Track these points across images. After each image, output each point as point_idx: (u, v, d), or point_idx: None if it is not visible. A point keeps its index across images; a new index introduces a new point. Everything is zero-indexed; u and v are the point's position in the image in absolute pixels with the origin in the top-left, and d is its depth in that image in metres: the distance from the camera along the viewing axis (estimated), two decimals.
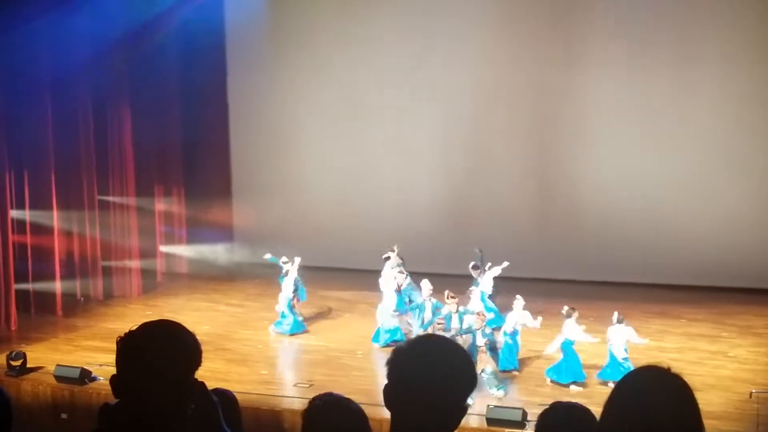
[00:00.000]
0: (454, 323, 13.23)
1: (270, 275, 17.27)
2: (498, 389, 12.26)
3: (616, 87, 18.55)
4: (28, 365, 13.16)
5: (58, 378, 12.69)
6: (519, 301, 13.54)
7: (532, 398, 11.58)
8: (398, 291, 15.03)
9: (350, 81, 20.41)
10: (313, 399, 3.74)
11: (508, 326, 13.39)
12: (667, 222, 18.45)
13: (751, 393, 11.47)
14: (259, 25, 20.78)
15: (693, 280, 17.92)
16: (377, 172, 20.43)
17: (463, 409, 2.55)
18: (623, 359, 12.66)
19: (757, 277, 17.61)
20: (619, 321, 13.05)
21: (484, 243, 17.79)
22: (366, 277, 17.44)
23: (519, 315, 13.44)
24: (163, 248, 19.34)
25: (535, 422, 4.38)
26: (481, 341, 12.72)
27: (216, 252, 20.17)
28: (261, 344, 14.86)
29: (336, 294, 16.48)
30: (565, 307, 13.34)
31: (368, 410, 3.79)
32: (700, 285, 17.81)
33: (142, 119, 19.21)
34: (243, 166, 21.69)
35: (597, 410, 2.75)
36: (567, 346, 12.92)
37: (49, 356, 13.89)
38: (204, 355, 2.80)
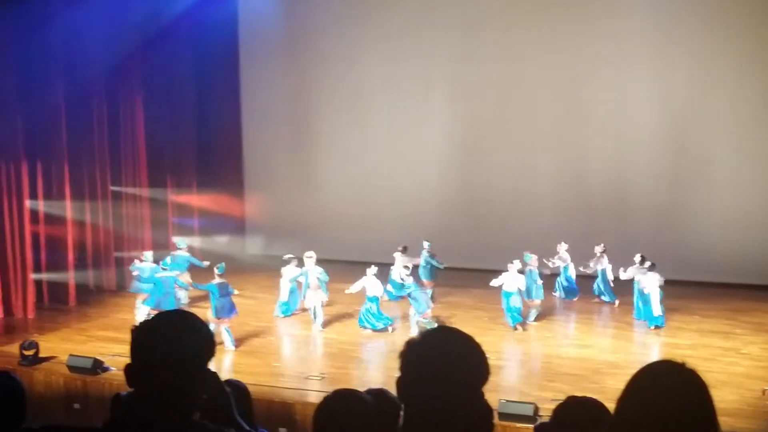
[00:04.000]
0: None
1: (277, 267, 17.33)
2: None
3: (633, 83, 18.50)
4: (40, 355, 13.20)
5: (71, 368, 12.72)
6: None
7: (543, 393, 11.54)
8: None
9: (364, 76, 20.42)
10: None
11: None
12: (680, 218, 18.42)
13: (764, 390, 11.41)
14: (272, 20, 20.82)
15: (706, 277, 17.86)
16: (390, 166, 20.44)
17: (480, 401, 2.53)
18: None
19: None
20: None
21: (497, 237, 17.83)
22: (378, 270, 17.44)
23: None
24: (176, 239, 19.37)
25: (548, 417, 4.36)
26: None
27: (228, 243, 20.21)
28: (273, 336, 14.89)
29: (348, 287, 16.45)
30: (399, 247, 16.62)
31: None
32: (714, 281, 17.76)
33: (156, 111, 19.32)
34: (255, 159, 21.75)
35: (610, 406, 2.73)
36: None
37: (62, 346, 13.94)
38: (217, 346, 2.80)
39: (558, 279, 17.42)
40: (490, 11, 19.39)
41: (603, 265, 16.97)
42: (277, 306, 16.27)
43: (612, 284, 16.90)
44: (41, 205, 16.97)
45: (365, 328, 14.92)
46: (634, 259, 16.11)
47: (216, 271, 14.45)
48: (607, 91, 18.72)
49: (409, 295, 14.85)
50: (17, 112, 16.17)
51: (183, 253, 17.14)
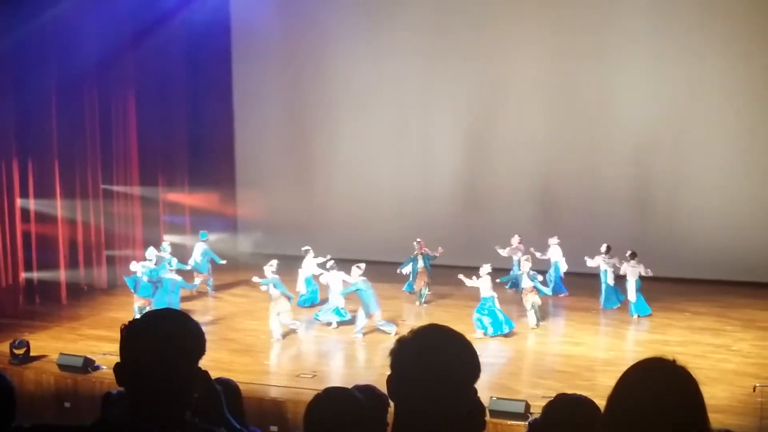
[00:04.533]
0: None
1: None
2: (537, 323, 14.97)
3: (631, 81, 18.50)
4: (31, 353, 13.17)
5: (62, 366, 12.69)
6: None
7: (534, 390, 11.55)
8: None
9: (357, 73, 20.38)
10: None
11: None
12: (671, 215, 18.46)
13: (754, 387, 11.43)
14: (264, 17, 20.75)
15: (697, 274, 17.91)
16: (385, 163, 20.43)
17: (471, 398, 2.53)
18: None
19: (762, 270, 17.60)
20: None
21: (494, 234, 17.87)
22: (371, 268, 17.46)
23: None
24: (167, 237, 19.34)
25: (538, 414, 4.37)
26: (528, 283, 15.01)
27: (220, 241, 20.16)
28: (264, 335, 14.86)
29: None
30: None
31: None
32: (704, 278, 17.81)
33: (147, 109, 19.27)
34: (248, 157, 21.71)
35: (601, 403, 2.74)
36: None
37: (53, 345, 13.90)
38: (208, 344, 2.79)
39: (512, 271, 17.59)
40: (491, 10, 19.34)
41: (556, 258, 17.26)
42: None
43: (563, 276, 17.32)
44: (32, 204, 16.92)
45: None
46: (600, 249, 16.48)
47: (168, 266, 15.08)
48: (607, 90, 18.71)
49: (358, 294, 14.74)
50: (8, 110, 16.12)
51: (204, 245, 17.92)
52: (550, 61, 18.92)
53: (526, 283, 15.21)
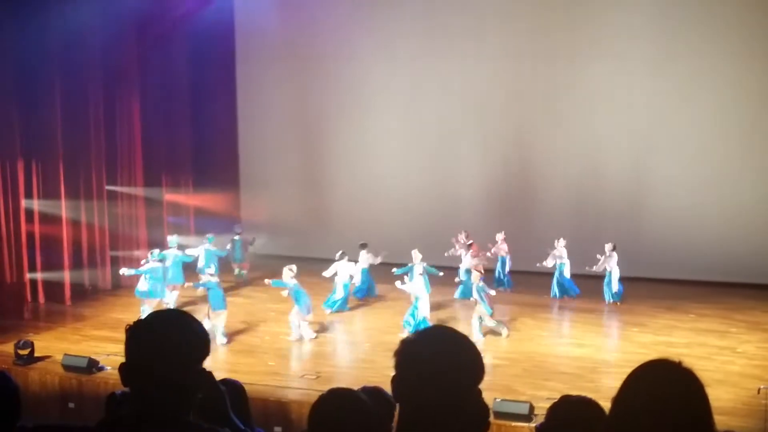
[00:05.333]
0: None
1: (275, 266, 17.24)
2: (479, 334, 14.29)
3: (631, 83, 18.48)
4: (35, 354, 13.18)
5: (66, 367, 12.71)
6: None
7: (538, 392, 11.55)
8: None
9: (360, 74, 20.38)
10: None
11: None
12: (676, 218, 18.41)
13: (759, 389, 11.41)
14: (267, 19, 20.76)
15: (702, 276, 17.88)
16: (387, 165, 20.42)
17: (475, 400, 2.53)
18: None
19: (767, 273, 17.55)
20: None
21: (490, 236, 17.85)
22: (375, 270, 17.45)
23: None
24: (170, 238, 19.36)
25: (543, 416, 4.36)
26: (475, 294, 14.52)
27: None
28: (268, 335, 14.88)
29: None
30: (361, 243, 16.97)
31: None
32: (709, 280, 17.78)
33: (152, 110, 19.30)
34: (251, 158, 21.73)
35: (606, 405, 2.73)
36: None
37: (57, 345, 13.92)
38: (212, 345, 2.79)
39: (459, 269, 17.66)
40: (492, 10, 19.32)
41: (503, 253, 17.96)
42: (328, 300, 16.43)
43: (508, 272, 17.96)
44: (36, 205, 16.94)
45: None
46: (555, 243, 17.19)
47: (150, 256, 15.39)
48: (605, 92, 18.71)
49: (294, 297, 14.60)
50: (13, 111, 16.15)
51: (239, 238, 19.15)
52: (560, 64, 18.89)
53: (475, 294, 14.78)
